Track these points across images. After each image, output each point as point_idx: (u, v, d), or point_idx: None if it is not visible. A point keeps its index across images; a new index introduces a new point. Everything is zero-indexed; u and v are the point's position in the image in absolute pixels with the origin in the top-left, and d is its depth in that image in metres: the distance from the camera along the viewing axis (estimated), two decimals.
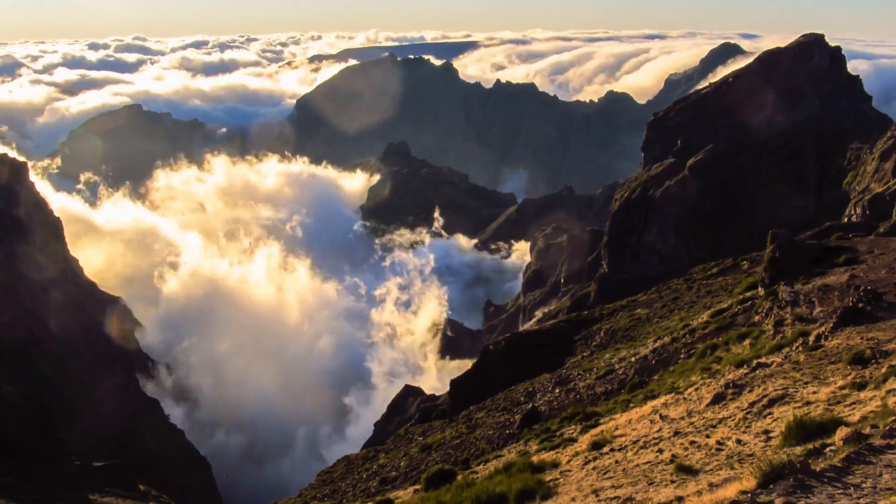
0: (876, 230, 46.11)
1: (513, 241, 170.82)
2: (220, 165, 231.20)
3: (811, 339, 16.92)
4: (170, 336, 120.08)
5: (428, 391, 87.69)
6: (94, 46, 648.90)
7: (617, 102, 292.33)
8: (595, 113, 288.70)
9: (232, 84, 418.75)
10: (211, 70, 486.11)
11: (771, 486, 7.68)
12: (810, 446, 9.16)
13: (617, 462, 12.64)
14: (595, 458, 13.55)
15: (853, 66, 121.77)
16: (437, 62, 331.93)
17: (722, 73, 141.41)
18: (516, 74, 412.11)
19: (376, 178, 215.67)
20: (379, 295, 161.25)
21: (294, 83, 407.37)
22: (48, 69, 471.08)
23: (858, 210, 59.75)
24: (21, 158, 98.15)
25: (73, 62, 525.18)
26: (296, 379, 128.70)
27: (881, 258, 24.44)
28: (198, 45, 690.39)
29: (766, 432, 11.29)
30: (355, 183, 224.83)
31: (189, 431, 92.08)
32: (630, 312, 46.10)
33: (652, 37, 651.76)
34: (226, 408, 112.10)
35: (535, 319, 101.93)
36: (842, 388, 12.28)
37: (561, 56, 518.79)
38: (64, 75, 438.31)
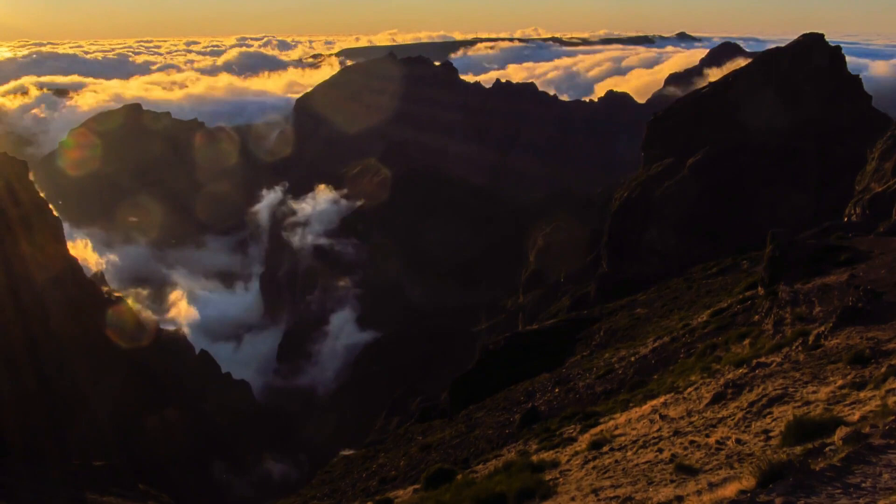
0: (876, 230, 46.03)
1: None
2: None
3: (811, 338, 16.90)
4: None
5: None
6: (91, 47, 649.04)
7: (617, 102, 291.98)
8: (595, 113, 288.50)
9: (231, 83, 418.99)
10: (210, 70, 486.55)
11: (770, 485, 7.68)
12: (810, 446, 9.15)
13: (616, 461, 12.63)
14: (595, 458, 13.54)
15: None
16: (437, 62, 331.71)
17: (722, 73, 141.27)
18: (516, 74, 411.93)
19: None
20: None
21: (294, 82, 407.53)
22: (48, 70, 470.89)
23: (858, 210, 59.68)
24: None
25: (74, 62, 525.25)
26: None
27: (881, 258, 24.44)
28: (197, 45, 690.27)
29: (766, 432, 11.28)
30: None
31: None
32: (630, 312, 46.13)
33: (651, 37, 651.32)
34: None
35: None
36: (841, 387, 12.27)
37: (561, 56, 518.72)
38: (63, 76, 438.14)
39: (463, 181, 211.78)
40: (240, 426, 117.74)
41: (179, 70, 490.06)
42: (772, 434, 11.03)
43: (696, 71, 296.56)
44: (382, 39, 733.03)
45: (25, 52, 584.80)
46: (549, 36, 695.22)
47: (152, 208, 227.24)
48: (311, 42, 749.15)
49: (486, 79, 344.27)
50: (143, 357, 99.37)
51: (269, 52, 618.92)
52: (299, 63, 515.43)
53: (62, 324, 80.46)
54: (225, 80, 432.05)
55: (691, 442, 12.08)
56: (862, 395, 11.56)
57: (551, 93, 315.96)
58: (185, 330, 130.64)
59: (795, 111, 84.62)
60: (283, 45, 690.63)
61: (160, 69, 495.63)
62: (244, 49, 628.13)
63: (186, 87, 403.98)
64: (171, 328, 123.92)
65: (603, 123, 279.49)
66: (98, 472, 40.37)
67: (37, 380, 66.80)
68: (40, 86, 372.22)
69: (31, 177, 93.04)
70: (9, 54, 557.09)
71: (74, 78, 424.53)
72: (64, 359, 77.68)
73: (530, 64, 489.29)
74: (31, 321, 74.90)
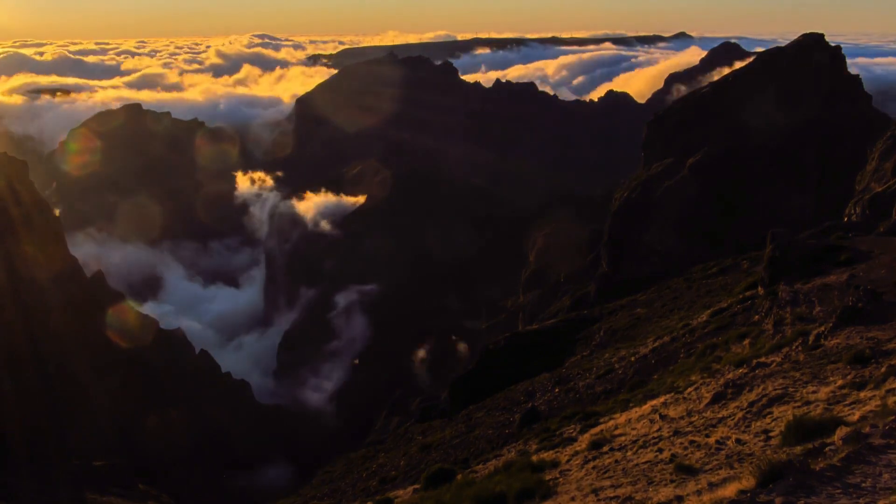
0: (876, 230, 46.11)
1: None
2: None
3: (811, 338, 16.91)
4: None
5: None
6: (91, 48, 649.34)
7: (617, 102, 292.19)
8: (595, 113, 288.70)
9: (232, 83, 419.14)
10: (211, 70, 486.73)
11: (770, 485, 7.69)
12: (810, 446, 9.15)
13: (616, 461, 12.62)
14: (595, 458, 13.53)
15: None
16: (437, 62, 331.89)
17: (722, 73, 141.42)
18: (516, 74, 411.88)
19: None
20: None
21: (294, 82, 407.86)
22: (48, 70, 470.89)
23: (858, 209, 59.69)
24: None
25: (74, 62, 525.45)
26: None
27: (881, 258, 24.47)
28: (198, 45, 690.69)
29: (766, 432, 11.28)
30: None
31: None
32: (630, 312, 46.14)
33: (652, 37, 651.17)
34: None
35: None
36: (841, 387, 12.27)
37: (561, 56, 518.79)
38: (63, 76, 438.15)
39: (463, 181, 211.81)
40: (239, 426, 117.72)
41: (180, 70, 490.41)
42: (772, 434, 11.03)
43: (696, 71, 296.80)
44: (382, 39, 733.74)
45: (25, 51, 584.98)
46: (548, 36, 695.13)
47: (152, 208, 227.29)
48: (311, 42, 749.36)
49: (486, 79, 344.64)
50: (143, 357, 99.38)
51: (269, 52, 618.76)
52: (299, 63, 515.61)
53: (63, 323, 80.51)
54: (225, 80, 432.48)
55: (691, 442, 12.08)
56: (862, 395, 11.56)
57: (551, 93, 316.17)
58: (185, 330, 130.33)
59: (795, 111, 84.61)
60: (283, 45, 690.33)
61: (160, 69, 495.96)
62: (244, 49, 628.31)
63: (187, 87, 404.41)
64: (171, 328, 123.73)
65: (603, 123, 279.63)
66: (98, 472, 40.35)
67: (39, 379, 66.87)
68: (40, 86, 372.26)
69: (31, 177, 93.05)
70: (8, 54, 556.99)
71: (75, 78, 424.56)
72: (64, 358, 77.72)
73: (530, 64, 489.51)
74: (32, 321, 74.98)
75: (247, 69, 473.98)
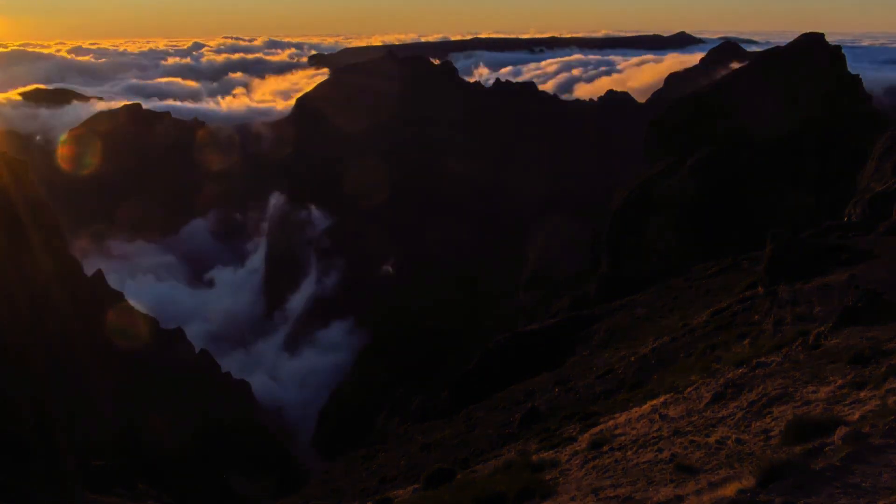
0: (876, 230, 46.11)
1: None
2: None
3: (811, 338, 16.90)
4: None
5: None
6: (92, 48, 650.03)
7: (617, 102, 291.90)
8: (595, 113, 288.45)
9: (231, 83, 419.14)
10: (210, 70, 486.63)
11: (770, 485, 7.70)
12: (810, 445, 9.15)
13: (616, 461, 12.63)
14: (594, 458, 13.53)
15: None
16: (437, 62, 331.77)
17: (722, 72, 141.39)
18: (516, 74, 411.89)
19: None
20: None
21: (293, 82, 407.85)
22: (47, 70, 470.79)
23: (858, 209, 59.69)
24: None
25: (73, 63, 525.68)
26: None
27: (881, 258, 24.49)
28: (197, 45, 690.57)
29: (766, 431, 11.29)
30: None
31: None
32: (630, 312, 46.14)
33: (652, 37, 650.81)
34: None
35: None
36: (841, 387, 12.28)
37: (560, 56, 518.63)
38: (62, 76, 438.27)
39: (463, 180, 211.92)
40: (239, 426, 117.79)
41: (180, 70, 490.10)
42: (772, 434, 11.03)
43: (696, 71, 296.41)
44: (381, 40, 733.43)
45: (26, 52, 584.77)
46: (548, 35, 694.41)
47: (152, 208, 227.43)
48: (311, 42, 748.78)
49: (486, 78, 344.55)
50: (143, 356, 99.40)
51: (268, 51, 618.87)
52: (299, 63, 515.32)
53: (63, 323, 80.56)
54: (224, 80, 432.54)
55: (691, 441, 12.08)
56: (862, 394, 11.57)
57: (551, 92, 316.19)
58: (185, 329, 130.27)
59: (795, 111, 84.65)
60: (283, 45, 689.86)
61: (159, 69, 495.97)
62: (244, 49, 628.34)
63: (187, 87, 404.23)
64: (171, 327, 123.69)
65: (603, 123, 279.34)
66: (98, 472, 40.36)
67: (37, 380, 66.82)
68: (40, 87, 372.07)
69: (31, 176, 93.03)
70: (9, 54, 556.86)
71: (75, 78, 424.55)
72: (64, 359, 77.77)
73: (530, 63, 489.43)
74: (31, 321, 74.92)
75: (246, 69, 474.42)
